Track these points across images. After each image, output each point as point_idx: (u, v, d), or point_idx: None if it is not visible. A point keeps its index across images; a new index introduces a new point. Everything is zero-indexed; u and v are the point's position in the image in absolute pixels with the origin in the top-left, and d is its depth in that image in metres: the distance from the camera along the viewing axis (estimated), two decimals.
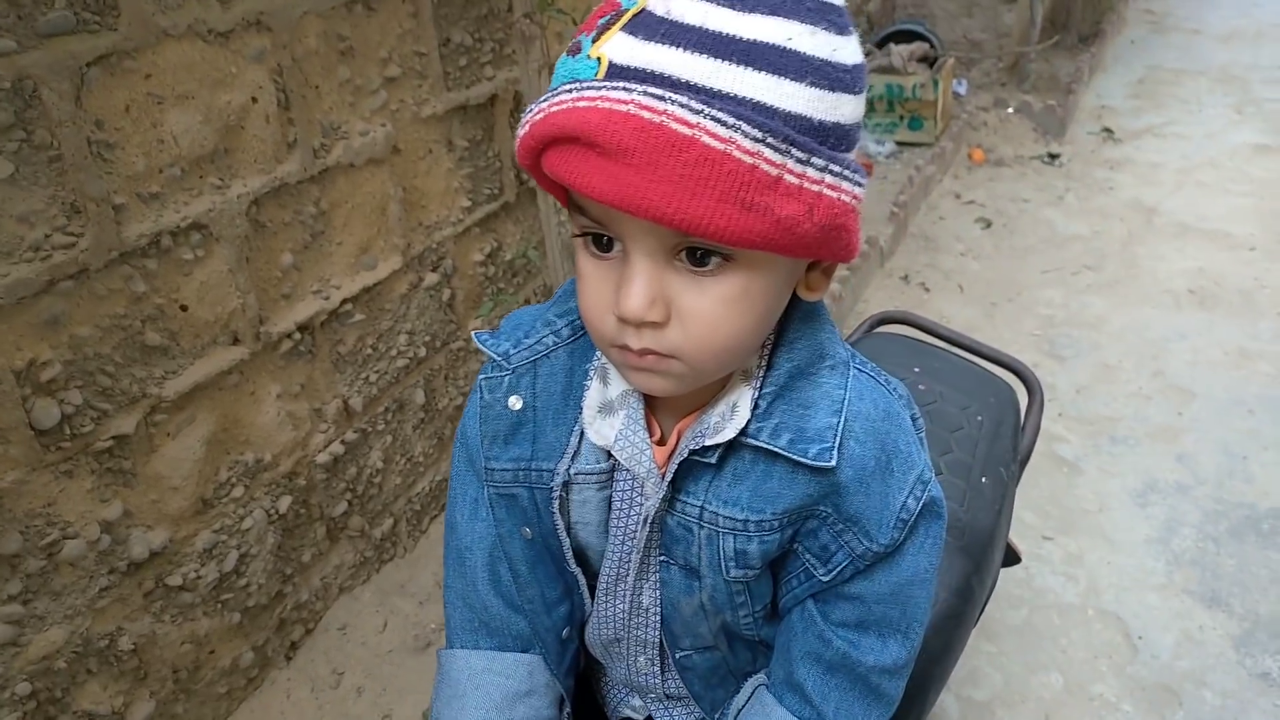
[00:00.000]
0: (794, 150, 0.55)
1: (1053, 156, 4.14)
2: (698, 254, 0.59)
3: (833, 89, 0.57)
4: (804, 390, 0.69)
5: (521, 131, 0.59)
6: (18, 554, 1.27)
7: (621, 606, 0.81)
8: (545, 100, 0.58)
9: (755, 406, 0.68)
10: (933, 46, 4.20)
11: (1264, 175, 3.89)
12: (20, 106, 1.17)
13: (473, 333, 0.80)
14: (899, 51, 4.06)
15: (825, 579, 0.73)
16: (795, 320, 0.70)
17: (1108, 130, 4.42)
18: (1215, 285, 3.13)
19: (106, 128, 1.28)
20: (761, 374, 0.69)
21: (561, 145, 0.56)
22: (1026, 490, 2.16)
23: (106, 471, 1.37)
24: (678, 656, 0.82)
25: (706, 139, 0.52)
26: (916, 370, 1.27)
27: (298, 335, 1.65)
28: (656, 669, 0.85)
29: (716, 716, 0.86)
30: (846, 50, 0.58)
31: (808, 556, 0.73)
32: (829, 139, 0.57)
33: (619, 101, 0.53)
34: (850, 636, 0.74)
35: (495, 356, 0.76)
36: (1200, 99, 4.80)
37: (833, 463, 0.67)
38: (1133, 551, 2.11)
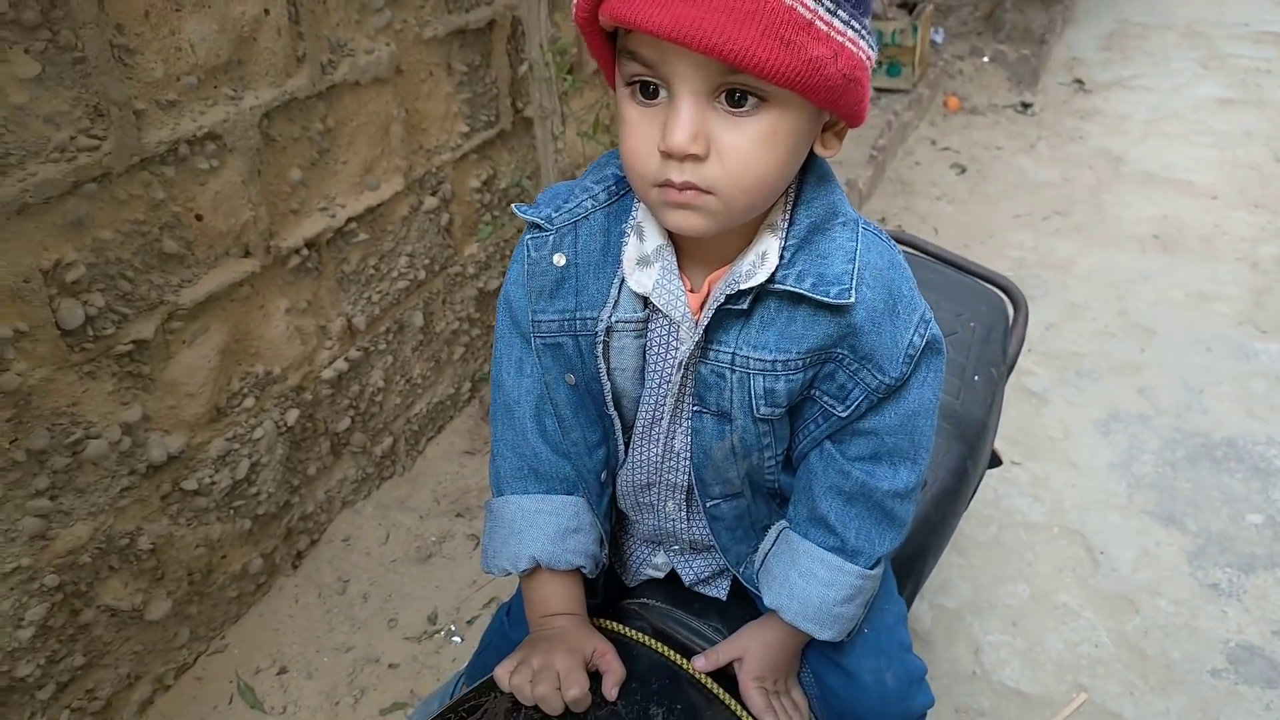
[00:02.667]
0: (825, 0, 0.63)
1: (1025, 106, 4.22)
2: (735, 96, 0.67)
3: None
4: (821, 242, 0.77)
5: None
6: (45, 450, 1.31)
7: (655, 450, 0.88)
8: None
9: (781, 256, 0.76)
10: None
11: (1226, 128, 4.01)
12: (46, 6, 1.18)
13: (513, 205, 0.87)
14: None
15: (844, 415, 0.81)
16: (810, 182, 0.79)
17: (1078, 81, 4.50)
18: (1178, 231, 3.24)
19: (127, 32, 1.29)
20: (785, 227, 0.77)
21: None
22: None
23: (127, 375, 1.40)
24: (707, 505, 0.90)
25: None
26: None
27: (305, 251, 1.68)
28: (683, 514, 0.93)
29: (741, 569, 0.94)
30: None
31: (825, 399, 0.82)
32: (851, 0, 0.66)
33: None
34: (867, 467, 0.83)
35: (538, 220, 0.83)
36: (1167, 53, 4.90)
37: (851, 299, 0.75)
38: (1095, 475, 2.23)
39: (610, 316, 0.82)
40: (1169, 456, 2.27)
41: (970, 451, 1.13)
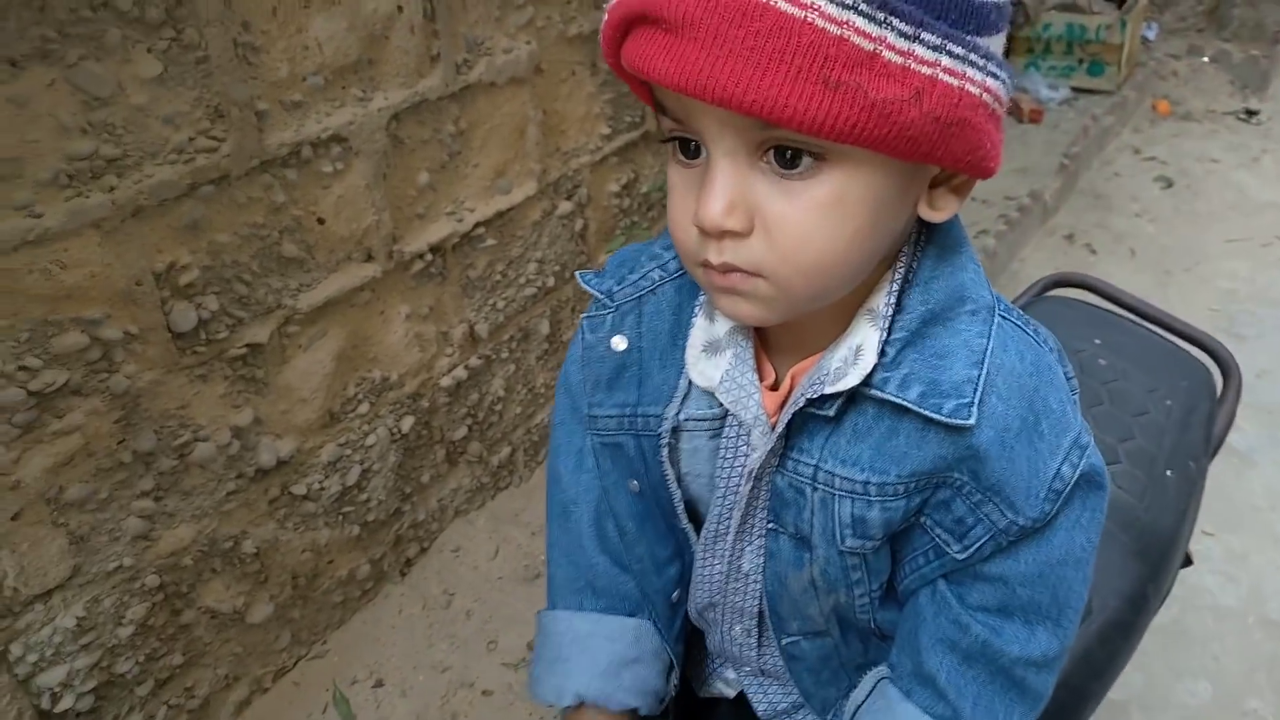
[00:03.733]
0: (895, 20, 0.46)
1: (1250, 113, 3.73)
2: (787, 154, 0.51)
3: None
4: (940, 337, 0.59)
5: (602, 23, 0.53)
6: (152, 452, 1.30)
7: (719, 568, 0.73)
8: None
9: (882, 353, 0.60)
10: None
11: None
12: (171, 4, 1.15)
13: (577, 273, 0.73)
14: None
15: (961, 557, 0.63)
16: (931, 256, 0.61)
17: None
18: None
19: (253, 30, 1.25)
20: (890, 315, 0.60)
21: (635, 29, 0.50)
22: None
23: (239, 379, 1.38)
24: (784, 643, 0.75)
25: (782, 4, 0.45)
26: (1097, 342, 1.13)
27: (429, 256, 1.62)
28: (753, 641, 0.77)
29: (829, 717, 0.78)
30: None
31: (939, 531, 0.64)
32: (950, 12, 0.48)
33: None
34: (991, 622, 0.65)
35: (598, 295, 0.70)
36: None
37: (971, 420, 0.57)
38: None
39: (678, 414, 0.67)
40: None
41: (1153, 574, 0.92)
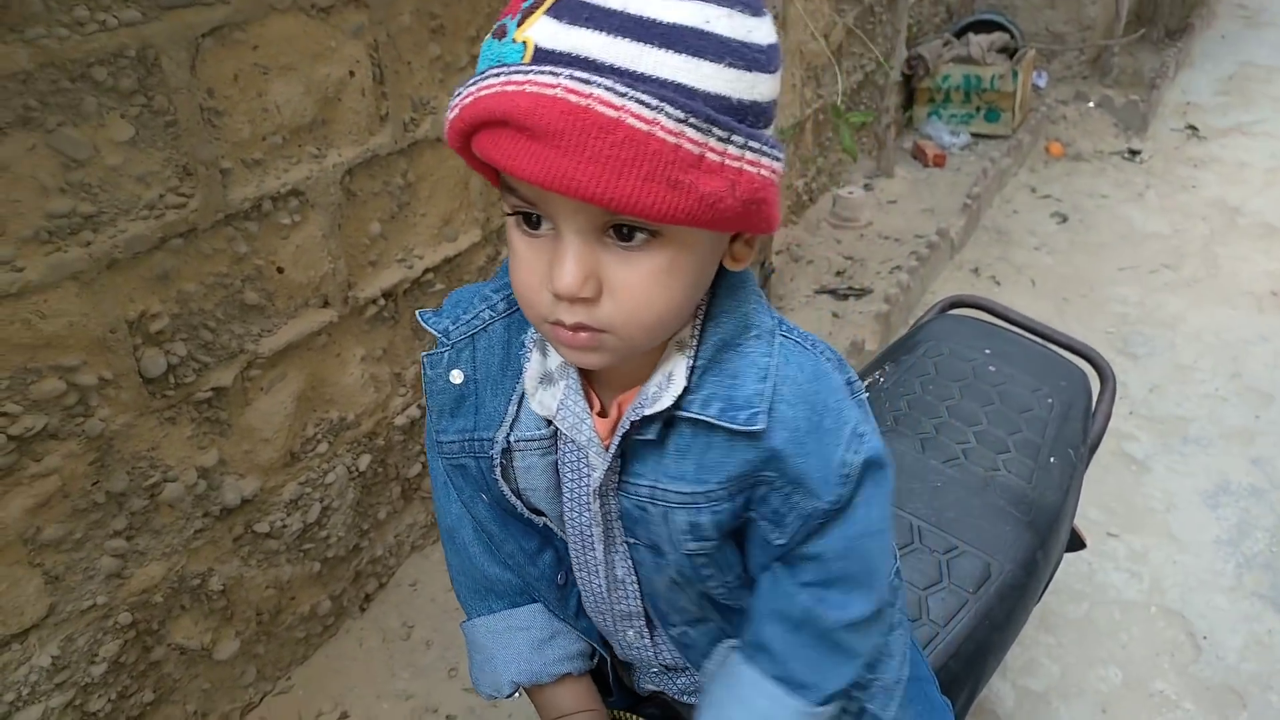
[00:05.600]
0: (715, 129, 0.57)
1: (1133, 153, 4.05)
2: (625, 230, 0.62)
3: (749, 69, 0.59)
4: (732, 361, 0.71)
5: (451, 115, 0.61)
6: (124, 492, 1.36)
7: (597, 581, 0.83)
8: (473, 84, 0.59)
9: (688, 379, 0.71)
10: (1013, 37, 4.14)
11: None
12: (143, 74, 1.25)
13: (417, 312, 0.84)
14: (978, 41, 4.01)
15: (780, 542, 0.74)
16: (721, 294, 0.72)
17: (1192, 127, 4.30)
18: None
19: (217, 96, 1.35)
20: (696, 345, 0.71)
21: (491, 129, 0.58)
22: (1092, 487, 2.14)
23: (205, 420, 1.45)
24: (673, 634, 0.84)
25: (631, 120, 0.54)
26: (987, 352, 1.29)
27: (382, 301, 1.72)
28: (647, 641, 0.87)
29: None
30: (761, 31, 0.60)
31: (763, 524, 0.75)
32: (747, 117, 0.59)
33: (546, 85, 0.55)
34: (816, 594, 0.76)
35: (436, 333, 0.79)
36: None
37: (761, 426, 0.69)
38: (1200, 552, 2.08)
39: (508, 436, 0.77)
40: None
41: (1041, 542, 1.06)
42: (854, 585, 0.76)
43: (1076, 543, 1.30)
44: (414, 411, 1.85)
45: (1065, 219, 3.56)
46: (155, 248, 1.32)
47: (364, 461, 1.77)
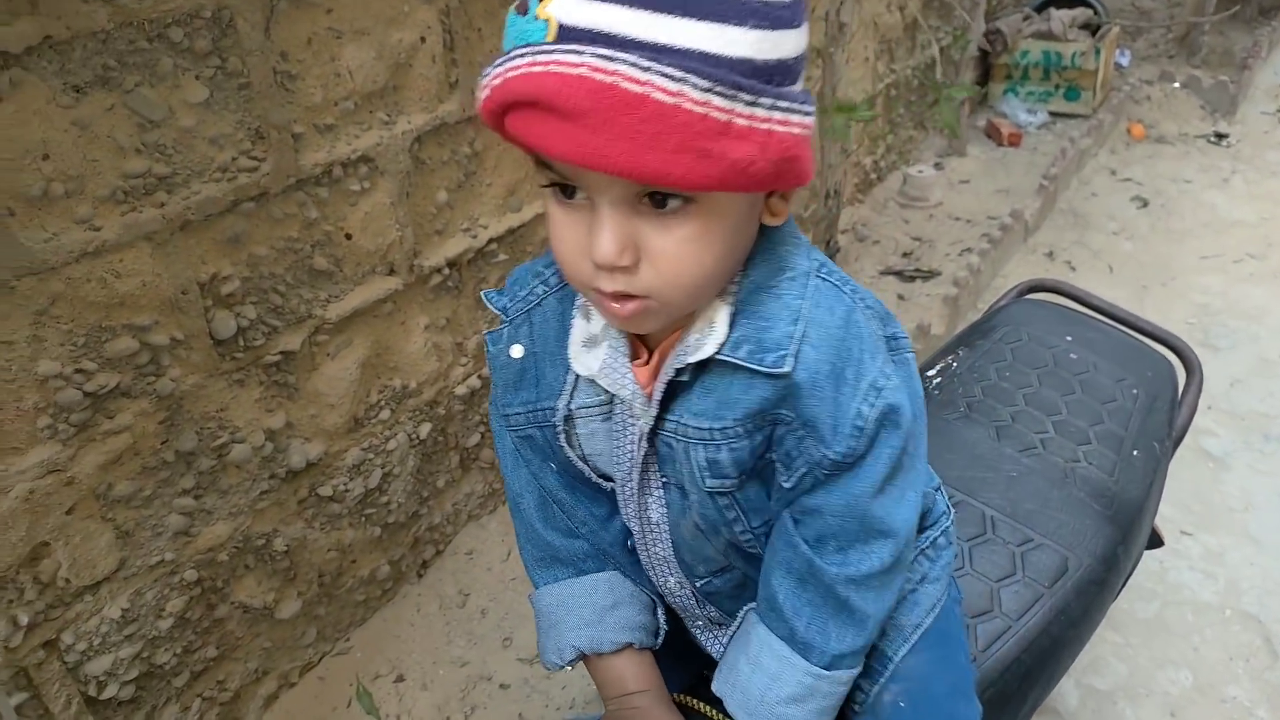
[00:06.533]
0: (741, 94, 0.57)
1: (1220, 136, 3.87)
2: (659, 198, 0.62)
3: (774, 27, 0.59)
4: (765, 303, 0.71)
5: (482, 95, 0.62)
6: (193, 452, 1.38)
7: (636, 526, 0.84)
8: (500, 65, 0.60)
9: (730, 324, 0.71)
10: (1096, 13, 3.98)
11: None
12: (217, 35, 1.25)
13: (481, 291, 0.85)
14: (1059, 17, 3.86)
15: (787, 485, 0.74)
16: (759, 242, 0.73)
17: None
18: None
19: (290, 59, 1.35)
20: (736, 292, 0.72)
21: (521, 109, 0.59)
22: (1167, 483, 2.07)
23: (273, 384, 1.47)
24: (699, 585, 0.85)
25: (657, 94, 0.55)
26: (1069, 339, 1.23)
27: (446, 270, 1.72)
28: (688, 593, 0.87)
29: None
30: None
31: (778, 465, 0.75)
32: (774, 77, 0.60)
33: (571, 65, 0.55)
34: (815, 546, 0.75)
35: (497, 310, 0.81)
36: None
37: (787, 368, 0.69)
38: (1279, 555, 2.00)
39: (568, 404, 0.79)
40: None
41: (1123, 537, 1.01)
42: (853, 541, 0.75)
43: (1155, 540, 1.24)
44: (474, 382, 1.86)
45: (1146, 204, 3.43)
46: (227, 210, 1.33)
47: (424, 429, 1.77)
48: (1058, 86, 3.90)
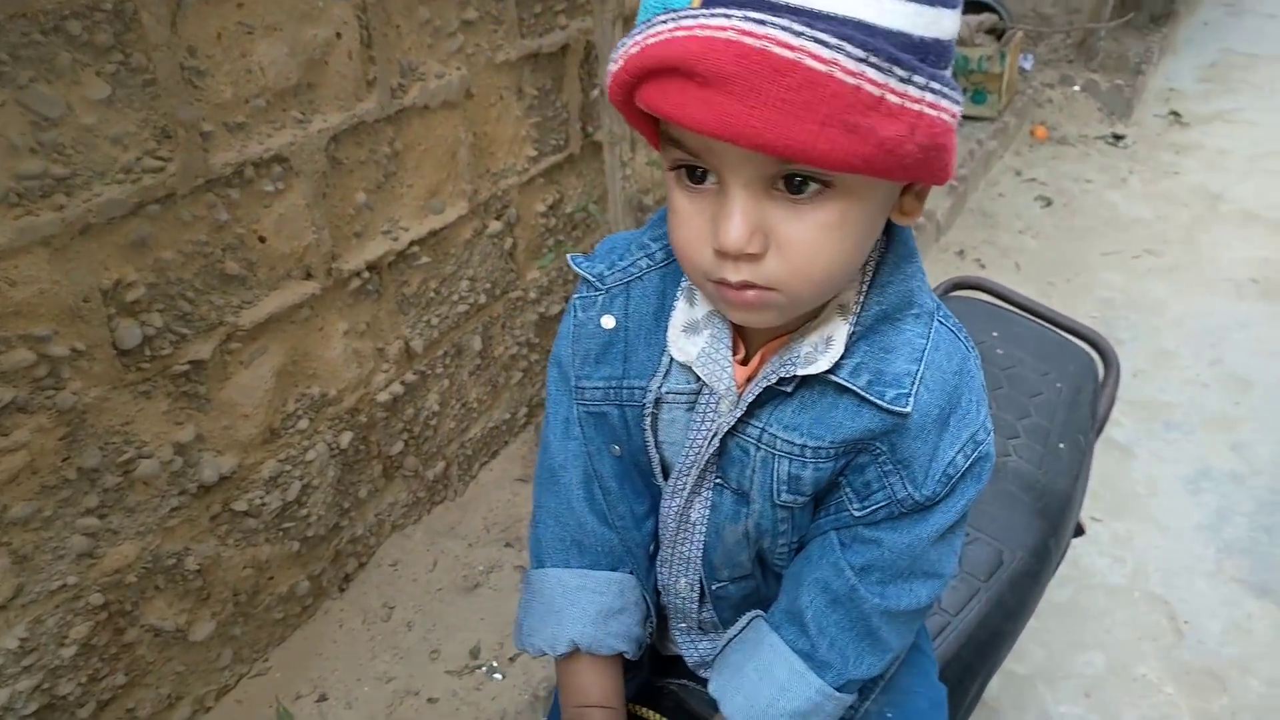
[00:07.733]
0: (896, 68, 0.53)
1: (1117, 138, 4.05)
2: (795, 181, 0.59)
3: (933, 4, 0.56)
4: (888, 334, 0.69)
5: (615, 67, 0.59)
6: (96, 469, 1.30)
7: (672, 524, 0.82)
8: (639, 33, 0.57)
9: (848, 344, 0.69)
10: (1001, 19, 4.11)
11: None
12: (120, 29, 1.18)
13: (569, 255, 0.81)
14: (966, 21, 3.97)
15: (857, 514, 0.73)
16: (889, 262, 0.70)
17: (1175, 114, 4.31)
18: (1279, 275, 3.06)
19: (199, 55, 1.29)
20: (858, 311, 0.70)
21: (659, 77, 0.56)
22: None
23: (182, 395, 1.40)
24: (714, 588, 0.83)
25: (810, 61, 0.51)
26: (995, 335, 1.26)
27: (366, 274, 1.66)
28: (695, 594, 0.85)
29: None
30: None
31: (847, 490, 0.73)
32: (929, 56, 0.56)
33: (718, 29, 0.52)
34: (862, 576, 0.74)
35: (590, 277, 0.78)
36: (1274, 84, 4.66)
37: (908, 409, 0.67)
38: (1182, 537, 2.09)
39: (660, 386, 0.75)
40: (1264, 520, 2.12)
41: (1053, 529, 1.04)
42: (897, 577, 0.74)
43: (1077, 530, 1.28)
44: (397, 388, 1.81)
45: (1050, 203, 3.56)
46: (131, 213, 1.26)
47: (345, 438, 1.72)
48: (965, 90, 4.01)
